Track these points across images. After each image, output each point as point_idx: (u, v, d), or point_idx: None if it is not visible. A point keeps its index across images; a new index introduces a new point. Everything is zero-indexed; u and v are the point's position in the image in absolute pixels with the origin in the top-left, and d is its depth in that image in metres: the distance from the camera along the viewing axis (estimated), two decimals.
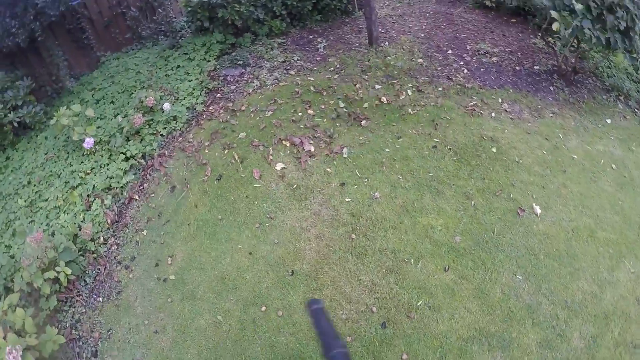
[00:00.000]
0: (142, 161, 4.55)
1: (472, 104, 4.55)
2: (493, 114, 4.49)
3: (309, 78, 5.14)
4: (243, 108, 4.82)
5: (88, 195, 4.32)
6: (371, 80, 5.01)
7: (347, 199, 3.72)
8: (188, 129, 4.76)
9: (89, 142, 4.45)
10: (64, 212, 4.26)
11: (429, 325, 3.10)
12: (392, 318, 3.13)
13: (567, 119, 4.59)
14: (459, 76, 4.94)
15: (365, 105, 4.64)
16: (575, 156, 4.16)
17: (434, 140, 4.17)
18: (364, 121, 4.42)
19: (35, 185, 4.71)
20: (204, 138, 4.57)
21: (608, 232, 3.62)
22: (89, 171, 4.53)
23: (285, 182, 3.94)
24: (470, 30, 5.90)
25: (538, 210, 3.68)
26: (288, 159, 4.14)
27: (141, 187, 4.35)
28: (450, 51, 5.38)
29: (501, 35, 5.83)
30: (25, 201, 4.56)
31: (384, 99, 4.70)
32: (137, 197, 4.28)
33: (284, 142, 4.29)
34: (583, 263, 3.44)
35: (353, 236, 3.50)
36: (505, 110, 4.55)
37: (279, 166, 4.07)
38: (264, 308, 3.26)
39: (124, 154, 4.57)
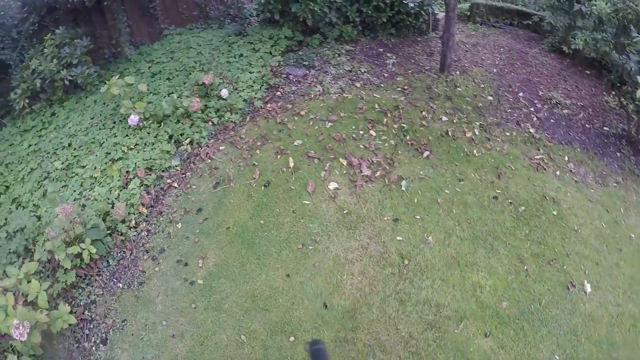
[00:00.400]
0: (189, 147, 4.31)
1: (538, 157, 4.23)
2: (558, 173, 4.16)
3: (374, 94, 4.84)
4: (302, 113, 4.55)
5: (127, 172, 4.10)
6: (438, 109, 4.70)
7: (398, 237, 3.44)
8: (242, 123, 4.51)
9: (133, 120, 4.24)
10: (100, 184, 4.05)
11: None
12: None
13: (630, 192, 4.24)
14: (528, 124, 4.61)
15: (430, 136, 4.34)
16: (632, 235, 3.82)
17: (496, 191, 3.87)
18: (427, 153, 4.12)
19: (75, 149, 4.50)
20: (257, 137, 4.32)
21: None
22: (133, 146, 4.29)
23: (336, 205, 3.67)
24: (544, 74, 5.53)
25: (588, 288, 3.36)
26: (343, 179, 3.86)
27: (183, 176, 4.12)
28: (521, 94, 5.03)
29: (574, 86, 5.45)
30: (62, 164, 4.36)
31: (449, 132, 4.39)
32: (177, 185, 4.05)
33: (341, 159, 4.00)
34: (621, 352, 3.12)
35: (399, 280, 3.23)
36: (571, 170, 4.22)
37: (332, 185, 3.79)
38: (292, 338, 3.00)
39: (171, 136, 4.33)
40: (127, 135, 4.40)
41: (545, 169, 4.13)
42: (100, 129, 4.54)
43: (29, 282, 3.03)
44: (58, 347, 3.17)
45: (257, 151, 4.16)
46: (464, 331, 3.10)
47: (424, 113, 4.64)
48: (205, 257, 3.48)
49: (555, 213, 3.79)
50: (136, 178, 3.99)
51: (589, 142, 4.66)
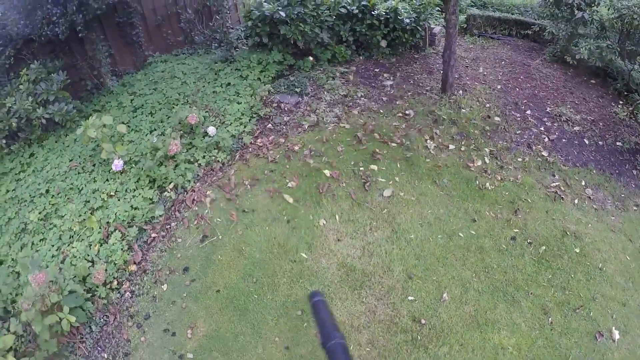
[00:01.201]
0: (173, 193, 3.79)
1: (554, 184, 3.72)
2: (576, 201, 3.65)
3: (373, 122, 4.28)
4: (296, 148, 3.99)
5: (108, 223, 3.57)
6: (444, 136, 4.15)
7: (410, 297, 2.91)
8: (230, 162, 3.95)
9: (117, 165, 3.71)
10: (79, 238, 3.53)
11: None
12: None
13: None
14: (539, 145, 4.09)
15: (438, 169, 3.78)
16: None
17: (513, 230, 3.35)
18: (437, 190, 3.58)
19: (53, 196, 3.96)
20: (247, 178, 3.77)
21: None
22: (113, 193, 3.77)
23: (338, 260, 3.13)
24: (550, 88, 4.97)
25: (617, 335, 2.86)
26: (344, 227, 3.32)
27: (168, 227, 3.58)
28: (529, 111, 4.50)
29: (582, 98, 4.91)
30: (40, 214, 3.84)
31: (458, 163, 3.86)
32: (161, 237, 3.56)
33: (341, 203, 3.46)
34: None
35: (412, 348, 2.70)
36: (589, 197, 3.70)
37: (332, 236, 3.27)
38: None
39: (153, 180, 3.80)
40: (107, 180, 3.86)
41: (562, 198, 3.63)
42: (79, 172, 4.00)
43: (4, 357, 2.66)
44: None
45: (249, 195, 3.62)
46: None
47: (428, 141, 4.10)
48: (194, 325, 2.95)
49: (577, 250, 3.28)
50: (117, 231, 3.45)
51: (604, 161, 4.16)
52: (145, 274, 3.32)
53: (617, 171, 4.10)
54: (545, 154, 4.00)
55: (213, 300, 3.05)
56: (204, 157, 3.97)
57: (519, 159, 3.93)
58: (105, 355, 3.00)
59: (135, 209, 3.63)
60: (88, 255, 3.40)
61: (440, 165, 3.86)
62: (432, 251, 3.19)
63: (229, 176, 3.81)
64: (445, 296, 2.94)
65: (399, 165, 3.84)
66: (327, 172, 3.77)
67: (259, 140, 4.09)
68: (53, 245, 3.57)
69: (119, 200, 3.71)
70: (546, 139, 4.18)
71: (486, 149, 4.02)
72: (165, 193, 3.74)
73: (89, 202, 3.77)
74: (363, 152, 3.95)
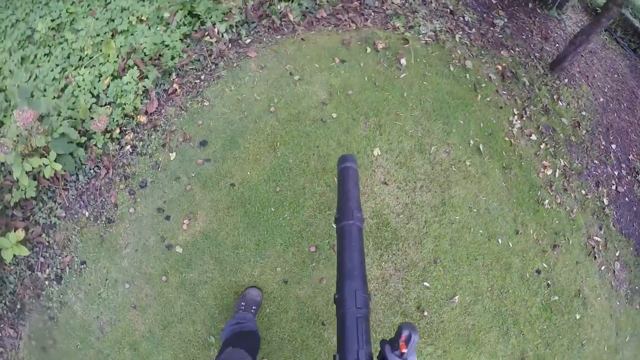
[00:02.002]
0: (214, 41, 2.79)
1: (596, 239, 3.36)
2: (602, 268, 3.37)
3: (469, 62, 3.32)
4: (380, 46, 3.00)
5: (128, 54, 2.64)
6: (530, 122, 3.43)
7: (426, 283, 2.48)
8: (298, 27, 2.92)
9: None
10: (90, 64, 2.65)
11: None
12: None
13: None
14: (605, 190, 3.60)
15: (512, 157, 3.12)
16: None
17: (542, 264, 2.97)
18: (500, 175, 2.98)
19: (73, 3, 2.89)
20: (314, 54, 2.82)
21: None
22: (144, 18, 2.72)
23: (375, 206, 2.51)
24: None
25: None
26: (396, 171, 2.63)
27: (197, 81, 2.69)
28: (614, 146, 3.92)
29: None
30: (52, 21, 2.85)
31: (532, 158, 3.22)
32: (186, 92, 2.64)
33: (403, 142, 2.78)
34: None
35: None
36: (614, 271, 3.43)
37: (380, 175, 2.56)
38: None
39: (195, 15, 2.80)
40: (141, 0, 2.79)
41: (595, 258, 3.33)
42: None
43: None
44: (10, 269, 2.39)
45: (307, 77, 2.72)
46: None
47: (516, 117, 3.38)
48: (193, 216, 2.33)
49: (578, 317, 3.07)
50: (136, 67, 2.50)
51: None
52: (155, 130, 2.50)
53: None
54: (605, 202, 3.58)
55: (224, 193, 2.37)
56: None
57: (583, 192, 3.47)
58: (87, 214, 2.37)
59: (166, 46, 2.65)
60: (94, 88, 2.57)
61: (516, 152, 3.27)
62: (467, 244, 2.74)
63: (284, 46, 2.80)
64: (457, 299, 2.60)
65: (480, 126, 3.16)
66: (402, 93, 2.96)
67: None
68: (57, 65, 2.69)
69: (149, 28, 2.70)
70: (614, 188, 3.72)
71: (561, 161, 3.45)
72: (207, 37, 2.67)
73: (113, 21, 2.76)
74: (448, 91, 3.13)
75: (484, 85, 3.29)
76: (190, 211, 2.39)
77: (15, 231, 2.25)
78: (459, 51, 3.38)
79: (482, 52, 3.53)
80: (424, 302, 2.47)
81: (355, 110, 2.76)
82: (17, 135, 2.27)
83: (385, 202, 2.52)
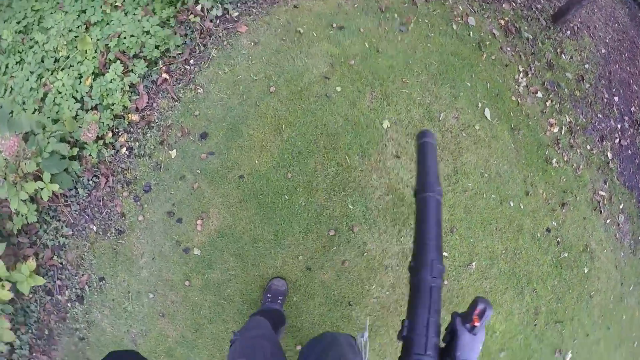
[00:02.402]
0: (198, 19, 2.56)
1: (601, 193, 3.39)
2: (608, 221, 3.42)
3: (470, 17, 3.21)
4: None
5: (107, 48, 2.41)
6: (536, 77, 3.34)
7: (444, 253, 2.55)
8: None
9: None
10: (67, 65, 2.41)
11: None
12: None
13: None
14: (609, 144, 3.57)
15: (520, 117, 3.07)
16: (624, 316, 3.39)
17: (552, 223, 3.01)
18: (508, 137, 2.94)
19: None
20: (312, 19, 2.66)
21: None
22: (119, 4, 2.47)
23: (389, 181, 2.47)
24: None
25: (568, 357, 3.00)
26: (407, 142, 2.44)
27: (187, 67, 2.49)
28: (616, 98, 3.86)
29: None
30: (18, 24, 2.55)
31: (539, 116, 3.18)
32: (176, 80, 2.46)
33: (412, 111, 2.68)
34: None
35: None
36: (618, 224, 3.51)
37: (391, 148, 2.49)
38: (299, 347, 2.23)
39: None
40: None
41: (601, 212, 3.37)
42: None
43: None
44: (28, 298, 2.31)
45: (305, 49, 2.56)
46: None
47: (521, 75, 3.29)
48: (205, 215, 2.25)
49: (586, 271, 3.15)
50: (118, 61, 2.29)
51: None
52: (150, 128, 2.35)
53: None
54: (609, 155, 3.58)
55: (234, 187, 2.28)
56: None
57: (588, 147, 3.45)
58: (94, 228, 2.26)
59: (147, 33, 2.41)
60: (77, 91, 2.36)
61: (523, 112, 3.22)
62: (480, 210, 2.73)
63: (277, 15, 2.61)
64: (474, 265, 2.62)
65: (487, 87, 3.06)
66: (406, 58, 2.82)
67: None
68: (32, 72, 2.43)
69: (125, 15, 2.44)
70: (617, 140, 3.70)
71: (567, 117, 3.40)
72: (191, 16, 2.46)
73: (84, 12, 2.47)
74: (452, 52, 2.99)
75: (488, 43, 3.17)
76: (202, 210, 2.31)
77: (25, 261, 2.16)
78: (460, 7, 3.23)
79: (484, 6, 3.38)
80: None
81: (359, 81, 2.64)
82: (5, 166, 2.13)
83: (399, 177, 2.48)
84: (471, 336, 0.76)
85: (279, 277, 2.23)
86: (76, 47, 2.51)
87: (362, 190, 2.38)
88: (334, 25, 2.80)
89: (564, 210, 3.09)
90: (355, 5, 2.94)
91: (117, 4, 2.57)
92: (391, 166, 2.48)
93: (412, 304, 0.79)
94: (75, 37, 2.51)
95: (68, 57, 2.53)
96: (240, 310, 2.23)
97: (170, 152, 2.40)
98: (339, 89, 2.57)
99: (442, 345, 0.78)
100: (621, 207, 3.51)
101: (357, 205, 2.35)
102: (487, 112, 2.93)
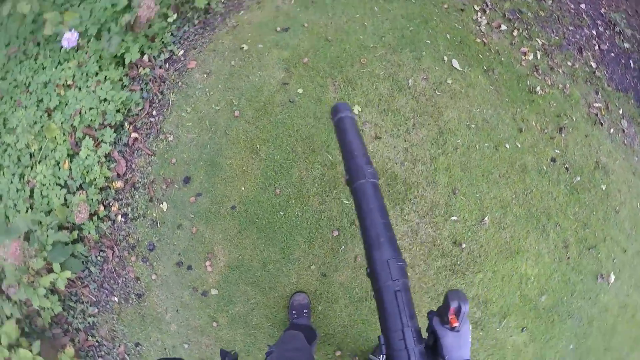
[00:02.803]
0: (148, 70, 2.58)
1: (597, 105, 3.29)
2: (612, 130, 3.32)
3: None
4: None
5: (73, 127, 2.45)
6: (495, 11, 3.23)
7: (453, 217, 2.48)
8: (227, 13, 2.72)
9: (70, 39, 2.33)
10: (42, 157, 2.47)
11: None
12: None
13: None
14: (589, 53, 3.47)
15: (489, 57, 2.99)
16: None
17: (555, 151, 2.94)
18: (485, 80, 2.87)
19: None
20: (251, 40, 2.64)
21: None
22: (71, 82, 2.48)
23: (377, 164, 2.44)
24: None
25: (612, 279, 2.93)
26: (383, 120, 2.53)
27: (151, 119, 2.52)
28: (583, 5, 3.71)
29: (634, 10, 4.29)
30: None
31: (509, 49, 3.09)
32: (145, 135, 2.49)
33: (379, 88, 2.61)
34: (617, 341, 2.95)
35: (450, 275, 2.41)
36: (623, 130, 3.40)
37: (369, 131, 2.47)
38: (338, 353, 2.22)
39: (118, 58, 2.55)
40: (59, 65, 2.55)
41: (602, 124, 3.27)
42: (21, 61, 2.62)
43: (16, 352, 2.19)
44: None
45: (256, 63, 2.54)
46: (505, 328, 2.55)
47: (479, 14, 3.20)
48: (212, 255, 2.27)
49: (604, 188, 3.07)
50: (87, 137, 2.33)
51: None
52: (136, 189, 2.38)
53: None
54: (593, 65, 3.46)
55: (229, 220, 2.29)
56: (184, 4, 2.67)
57: (569, 63, 3.36)
58: (116, 299, 2.32)
59: (104, 100, 2.43)
60: (59, 178, 2.40)
61: (492, 50, 3.14)
62: (477, 163, 2.68)
63: (221, 39, 2.60)
64: (487, 219, 2.58)
65: (448, 38, 2.99)
66: (358, 37, 2.79)
67: None
68: (14, 175, 2.48)
69: (79, 90, 2.47)
70: (596, 47, 3.58)
71: (538, 41, 3.30)
72: (141, 69, 2.48)
73: (41, 101, 2.51)
74: (402, 15, 2.92)
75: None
76: (207, 251, 2.33)
77: (64, 350, 2.24)
78: None
79: None
80: (458, 235, 2.46)
81: (318, 76, 2.61)
82: (15, 270, 2.18)
83: (385, 157, 2.45)
84: (455, 334, 0.68)
85: (299, 292, 2.23)
86: (45, 137, 2.55)
87: None
88: (278, 29, 2.77)
89: (563, 135, 3.01)
90: (293, 2, 2.91)
91: (68, 83, 2.60)
92: (374, 149, 2.45)
93: (381, 316, 0.72)
94: (41, 127, 2.55)
95: (41, 149, 2.57)
96: (271, 334, 2.25)
97: (161, 205, 2.43)
98: (300, 90, 2.55)
99: (430, 342, 0.73)
100: (620, 112, 3.40)
101: (351, 198, 2.33)
102: (455, 63, 2.87)
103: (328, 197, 2.34)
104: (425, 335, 0.73)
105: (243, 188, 2.36)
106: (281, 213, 2.32)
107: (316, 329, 2.12)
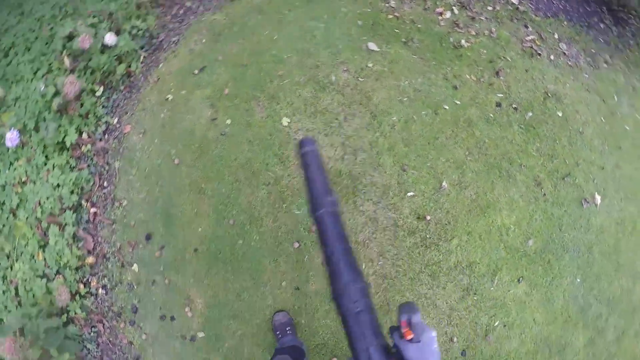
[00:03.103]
0: (89, 147, 2.72)
1: (529, 38, 3.27)
2: (552, 57, 3.29)
3: None
4: (223, 21, 2.89)
5: (38, 220, 2.58)
6: None
7: (409, 193, 2.47)
8: (149, 68, 2.84)
9: (12, 139, 2.51)
10: (18, 255, 2.61)
11: (503, 345, 2.43)
12: (471, 344, 2.36)
13: (618, 72, 3.50)
14: None
15: (405, 28, 3.01)
16: (627, 127, 3.23)
17: (497, 95, 2.91)
18: (407, 52, 2.88)
19: None
20: (173, 88, 2.75)
21: None
22: (25, 179, 2.63)
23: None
24: None
25: (598, 199, 2.85)
26: (313, 123, 2.57)
27: (104, 191, 2.64)
28: None
29: None
30: None
31: (424, 14, 3.10)
32: (103, 207, 2.60)
33: (302, 93, 2.65)
34: (625, 258, 2.87)
35: (424, 250, 2.39)
36: (564, 52, 3.36)
37: (285, 121, 2.58)
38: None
39: (59, 142, 2.67)
40: (10, 165, 2.71)
41: (539, 54, 3.25)
42: None
43: None
44: None
45: (183, 109, 2.64)
46: (499, 285, 2.50)
47: None
48: (189, 300, 2.33)
49: (560, 114, 3.02)
50: (52, 225, 2.48)
51: (573, 11, 3.67)
52: (107, 259, 2.49)
53: (586, 24, 3.66)
54: (515, 1, 3.46)
55: (195, 263, 2.36)
56: (110, 78, 2.79)
57: (489, 8, 3.33)
58: None
59: (57, 186, 2.58)
60: (37, 270, 2.52)
61: (407, 21, 3.16)
62: (420, 133, 2.67)
63: (147, 97, 2.71)
64: (445, 184, 2.56)
65: (360, 24, 3.00)
66: (268, 52, 2.85)
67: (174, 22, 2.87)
68: None
69: (34, 184, 2.61)
70: None
71: None
72: (83, 147, 2.61)
73: (4, 204, 2.67)
74: (308, 17, 3.00)
75: None
76: (184, 298, 2.37)
77: None
78: None
79: None
80: (420, 209, 2.44)
81: (242, 101, 2.67)
82: None
83: (325, 157, 2.47)
84: (416, 346, 0.70)
85: (278, 311, 2.24)
86: (14, 236, 2.67)
87: (299, 191, 2.38)
88: (195, 71, 2.85)
89: (502, 78, 2.98)
90: (204, 41, 3.00)
91: (23, 180, 2.72)
92: None
93: (348, 338, 0.74)
94: (9, 228, 2.68)
95: (15, 248, 2.69)
96: (266, 358, 2.27)
97: (132, 268, 2.49)
98: (229, 121, 2.61)
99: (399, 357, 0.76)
100: (556, 37, 3.36)
101: (302, 207, 2.35)
102: (371, 46, 2.90)
103: (279, 213, 2.36)
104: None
105: (200, 229, 2.41)
106: (240, 242, 2.35)
107: (303, 344, 2.12)
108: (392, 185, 2.45)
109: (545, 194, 2.73)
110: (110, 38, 2.60)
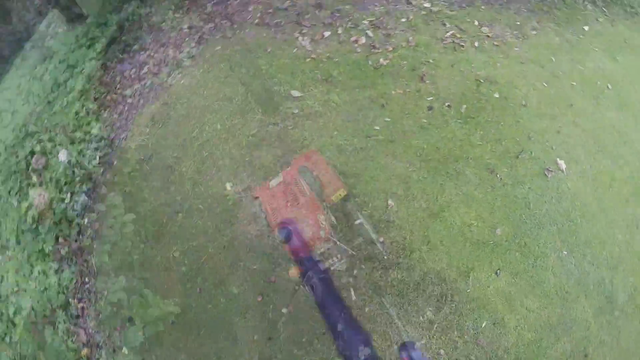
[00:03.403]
0: (66, 249, 3.04)
1: (448, 34, 3.37)
2: (476, 44, 3.33)
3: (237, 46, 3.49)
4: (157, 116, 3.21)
5: (34, 324, 2.90)
6: (316, 26, 3.52)
7: (357, 221, 2.52)
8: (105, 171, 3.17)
9: None
10: None
11: (498, 342, 2.35)
12: (461, 352, 2.30)
13: (549, 34, 3.55)
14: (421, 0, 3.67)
15: (329, 70, 3.18)
16: (574, 83, 3.22)
17: (427, 99, 2.97)
18: (333, 94, 3.03)
19: None
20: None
21: (625, 171, 2.95)
22: (17, 289, 3.01)
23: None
24: None
25: (563, 165, 2.81)
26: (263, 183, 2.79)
27: (86, 285, 2.91)
28: None
29: None
30: None
31: (340, 47, 3.27)
32: (88, 301, 2.87)
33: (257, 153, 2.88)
34: (614, 212, 2.79)
35: (382, 273, 2.40)
36: (487, 36, 3.39)
37: (256, 202, 2.77)
38: None
39: (41, 251, 3.03)
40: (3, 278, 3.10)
41: (462, 46, 3.30)
42: None
43: None
44: None
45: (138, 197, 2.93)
46: (475, 283, 2.47)
47: (300, 39, 3.43)
48: None
49: (497, 95, 3.02)
50: (47, 326, 2.82)
51: None
52: (100, 348, 2.71)
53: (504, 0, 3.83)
54: (427, 5, 3.54)
55: (175, 334, 2.56)
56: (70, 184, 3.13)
57: (403, 20, 3.46)
58: None
59: (45, 289, 2.91)
60: None
61: (323, 59, 3.33)
62: (358, 158, 2.74)
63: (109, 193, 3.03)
64: (391, 202, 2.62)
65: (279, 77, 3.22)
66: (218, 126, 3.08)
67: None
68: None
69: (25, 291, 2.97)
70: None
71: (365, 22, 3.46)
72: (62, 251, 2.96)
73: (3, 314, 3.02)
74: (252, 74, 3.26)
75: (258, 49, 3.39)
76: None
77: None
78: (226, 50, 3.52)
79: (245, 29, 3.66)
80: (369, 234, 2.51)
81: (179, 197, 2.90)
82: None
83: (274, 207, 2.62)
84: None
85: None
86: (17, 342, 2.94)
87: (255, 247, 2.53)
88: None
89: (427, 81, 3.05)
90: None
91: (15, 289, 3.04)
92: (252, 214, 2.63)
93: None
94: (11, 335, 2.95)
95: (18, 353, 2.94)
96: None
97: (123, 351, 2.66)
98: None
99: None
100: (476, 23, 3.41)
101: (260, 260, 2.49)
102: (294, 93, 3.07)
103: (240, 271, 2.50)
104: None
105: (172, 301, 2.59)
106: (209, 305, 2.50)
107: None
108: (339, 218, 2.53)
109: (501, 179, 2.70)
110: (63, 155, 2.93)
